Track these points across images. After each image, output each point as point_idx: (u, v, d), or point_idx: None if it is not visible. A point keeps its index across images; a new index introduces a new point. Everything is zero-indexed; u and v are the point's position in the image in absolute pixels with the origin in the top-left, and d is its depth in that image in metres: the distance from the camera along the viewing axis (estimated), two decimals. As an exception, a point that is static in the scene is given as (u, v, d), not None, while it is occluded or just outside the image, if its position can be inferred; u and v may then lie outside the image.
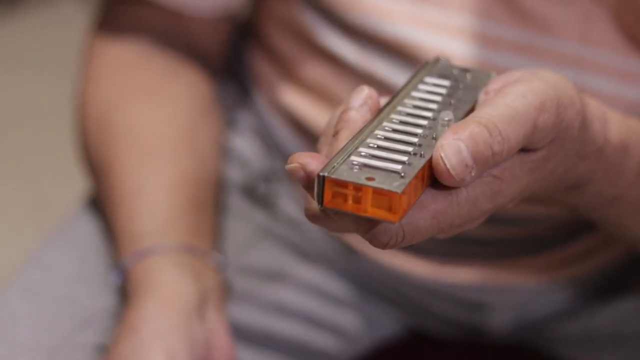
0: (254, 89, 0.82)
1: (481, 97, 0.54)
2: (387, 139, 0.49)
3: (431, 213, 0.48)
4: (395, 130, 0.50)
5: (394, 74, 0.70)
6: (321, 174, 0.46)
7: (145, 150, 0.74)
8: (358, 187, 0.46)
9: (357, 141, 0.49)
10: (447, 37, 0.68)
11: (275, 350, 0.78)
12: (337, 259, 0.81)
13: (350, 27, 0.72)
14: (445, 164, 0.47)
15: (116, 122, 0.75)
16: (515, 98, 0.50)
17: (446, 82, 0.55)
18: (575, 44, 0.66)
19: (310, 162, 0.48)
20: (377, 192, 0.46)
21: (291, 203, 0.81)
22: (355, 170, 0.47)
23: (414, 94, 0.54)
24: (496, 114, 0.49)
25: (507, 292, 0.78)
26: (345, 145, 0.48)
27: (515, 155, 0.51)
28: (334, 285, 0.81)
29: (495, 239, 0.76)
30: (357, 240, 0.79)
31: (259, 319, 0.78)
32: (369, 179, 0.46)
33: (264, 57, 0.81)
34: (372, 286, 0.82)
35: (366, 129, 0.50)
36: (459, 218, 0.49)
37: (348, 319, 0.82)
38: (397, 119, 0.51)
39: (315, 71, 0.75)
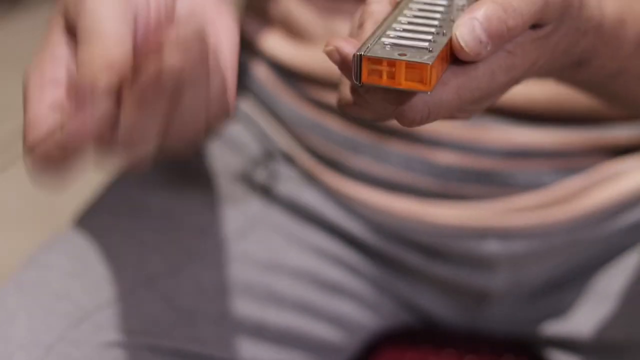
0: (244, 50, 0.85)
1: None
2: (410, 23, 0.55)
3: (453, 88, 0.53)
4: (416, 16, 0.56)
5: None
6: (358, 53, 0.52)
7: None
8: (392, 63, 0.51)
9: (383, 27, 0.55)
10: None
11: (275, 342, 0.79)
12: (334, 232, 0.81)
13: None
14: (459, 42, 0.52)
15: None
16: None
17: None
18: None
19: (345, 45, 0.54)
20: (410, 65, 0.51)
21: (288, 182, 0.81)
22: (387, 49, 0.52)
23: None
24: None
25: (505, 240, 0.79)
26: (373, 32, 0.54)
27: (526, 32, 0.56)
28: (332, 271, 0.82)
29: (489, 173, 0.78)
30: (353, 190, 0.80)
31: (256, 310, 0.78)
32: (401, 54, 0.52)
33: (248, 15, 0.85)
34: (372, 261, 0.82)
35: (389, 18, 0.56)
36: (478, 91, 0.54)
37: (348, 307, 0.82)
38: (417, 7, 0.57)
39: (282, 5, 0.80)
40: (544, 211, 0.79)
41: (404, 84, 0.51)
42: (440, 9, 0.57)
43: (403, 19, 0.56)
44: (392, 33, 0.54)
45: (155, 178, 0.82)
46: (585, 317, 0.81)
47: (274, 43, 0.82)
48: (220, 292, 0.77)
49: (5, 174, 2.00)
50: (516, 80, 0.57)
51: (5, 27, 2.39)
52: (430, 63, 0.51)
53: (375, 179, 0.79)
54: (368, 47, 0.52)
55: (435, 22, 0.55)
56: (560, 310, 0.83)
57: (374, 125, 0.79)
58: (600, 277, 0.82)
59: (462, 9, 0.57)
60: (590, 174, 0.79)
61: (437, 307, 0.84)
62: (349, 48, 0.53)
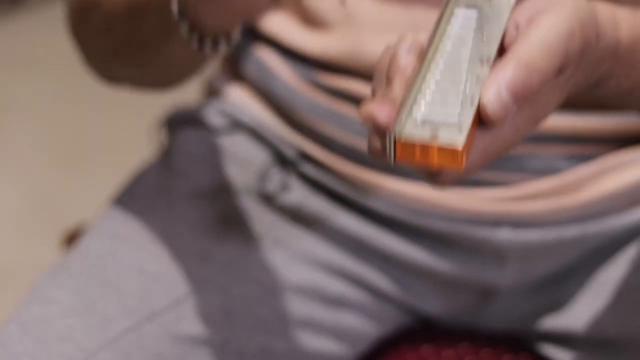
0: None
1: (511, 29, 0.58)
2: (438, 83, 0.57)
3: (480, 150, 0.55)
4: (442, 73, 0.57)
5: None
6: (392, 135, 0.54)
7: None
8: (425, 147, 0.54)
9: (413, 91, 0.56)
10: None
11: None
12: (341, 240, 0.81)
13: None
14: (488, 113, 0.54)
15: None
16: (546, 31, 0.56)
17: (474, 13, 0.61)
18: None
19: (379, 112, 0.55)
20: (442, 149, 0.53)
21: (296, 189, 0.81)
22: (419, 126, 0.54)
23: (449, 29, 0.60)
24: (532, 50, 0.55)
25: (518, 228, 0.80)
26: (404, 97, 0.56)
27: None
28: (335, 284, 0.82)
29: (505, 157, 0.78)
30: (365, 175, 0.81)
31: (260, 334, 0.78)
32: (433, 137, 0.53)
33: None
34: (376, 267, 0.82)
35: (418, 76, 0.57)
36: (504, 145, 0.56)
37: (351, 319, 0.82)
38: (442, 62, 0.58)
39: None
40: (556, 198, 0.80)
41: (436, 163, 0.53)
42: (464, 61, 0.58)
43: (431, 79, 0.57)
44: (422, 100, 0.55)
45: (155, 198, 0.82)
46: (582, 311, 0.82)
47: (290, 32, 0.82)
48: (223, 318, 0.77)
49: (5, 174, 2.00)
50: (540, 124, 0.59)
51: (5, 27, 2.39)
52: (462, 146, 0.53)
53: (391, 165, 0.80)
54: (401, 122, 0.54)
55: (461, 85, 0.56)
56: (558, 304, 0.83)
57: None
58: (600, 272, 0.82)
59: (487, 61, 0.57)
60: (602, 161, 0.80)
61: (438, 308, 0.84)
62: (383, 117, 0.55)
